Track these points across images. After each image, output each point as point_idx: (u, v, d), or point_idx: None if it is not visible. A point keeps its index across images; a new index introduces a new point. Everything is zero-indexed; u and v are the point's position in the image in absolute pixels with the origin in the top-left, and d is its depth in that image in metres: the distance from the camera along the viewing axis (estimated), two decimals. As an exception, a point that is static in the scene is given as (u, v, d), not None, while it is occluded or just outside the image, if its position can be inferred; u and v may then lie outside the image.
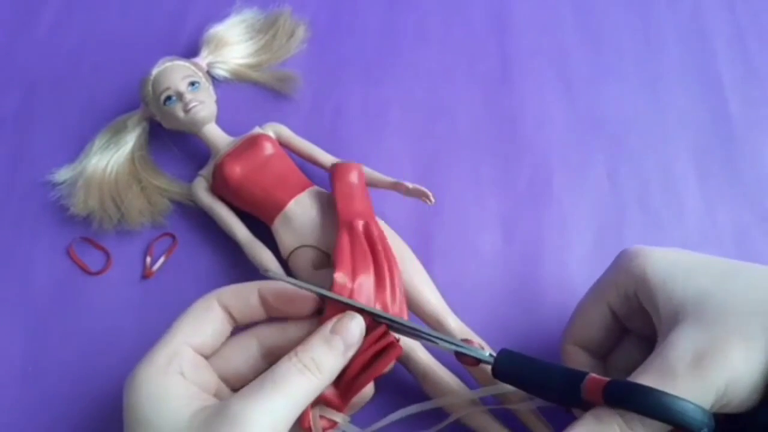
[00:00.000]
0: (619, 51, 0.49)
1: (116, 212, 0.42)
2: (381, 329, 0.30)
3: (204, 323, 0.30)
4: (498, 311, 0.40)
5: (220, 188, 0.41)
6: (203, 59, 0.46)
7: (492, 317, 0.39)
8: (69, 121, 0.47)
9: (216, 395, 0.30)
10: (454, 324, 0.37)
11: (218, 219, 0.41)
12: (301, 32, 0.49)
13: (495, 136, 0.46)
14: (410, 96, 0.47)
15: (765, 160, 0.45)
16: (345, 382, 0.31)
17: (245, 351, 0.31)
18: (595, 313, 0.33)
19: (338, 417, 0.32)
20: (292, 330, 0.31)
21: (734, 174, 0.44)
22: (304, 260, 0.38)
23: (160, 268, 0.41)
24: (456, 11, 0.51)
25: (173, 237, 0.42)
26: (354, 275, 0.34)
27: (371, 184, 0.41)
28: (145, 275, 0.41)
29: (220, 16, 0.49)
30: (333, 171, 0.40)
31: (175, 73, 0.42)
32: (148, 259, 0.42)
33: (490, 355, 0.31)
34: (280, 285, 0.32)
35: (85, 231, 0.42)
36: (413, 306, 0.37)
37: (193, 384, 0.29)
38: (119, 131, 0.44)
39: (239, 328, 0.32)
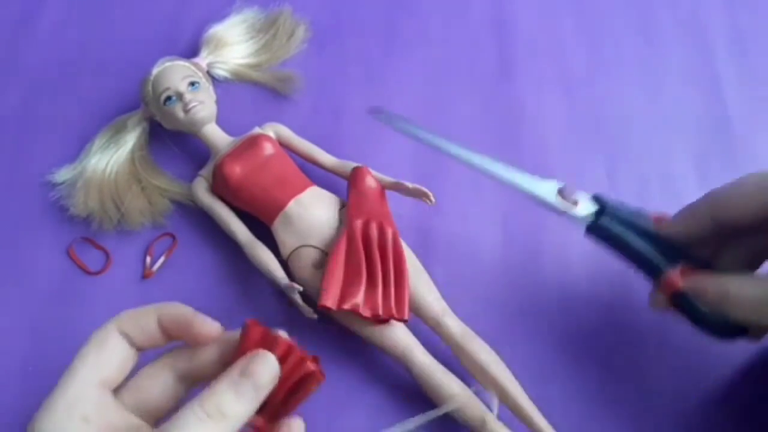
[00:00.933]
0: (619, 51, 0.49)
1: (116, 212, 0.42)
2: (296, 356, 0.28)
3: (106, 354, 0.28)
4: (498, 311, 0.40)
5: (220, 188, 0.41)
6: (203, 59, 0.46)
7: (492, 317, 0.39)
8: (69, 121, 0.47)
9: None
10: (453, 323, 0.37)
11: (218, 219, 0.41)
12: (301, 32, 0.49)
13: (495, 135, 0.46)
14: (410, 96, 0.47)
15: (765, 160, 0.45)
16: (270, 408, 0.28)
17: (158, 379, 0.29)
18: (749, 193, 0.33)
19: None
20: (204, 353, 0.29)
21: (734, 174, 0.44)
22: (304, 260, 0.38)
23: (160, 268, 0.41)
24: (456, 11, 0.51)
25: (173, 237, 0.42)
26: (343, 291, 0.36)
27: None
28: (145, 275, 0.41)
29: (220, 16, 0.49)
30: (351, 174, 0.41)
31: (175, 73, 0.42)
32: (148, 259, 0.42)
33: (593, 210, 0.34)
34: (180, 310, 0.29)
35: (85, 231, 0.42)
36: (413, 306, 0.37)
37: (100, 428, 0.27)
38: (119, 131, 0.44)
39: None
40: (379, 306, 0.35)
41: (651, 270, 0.33)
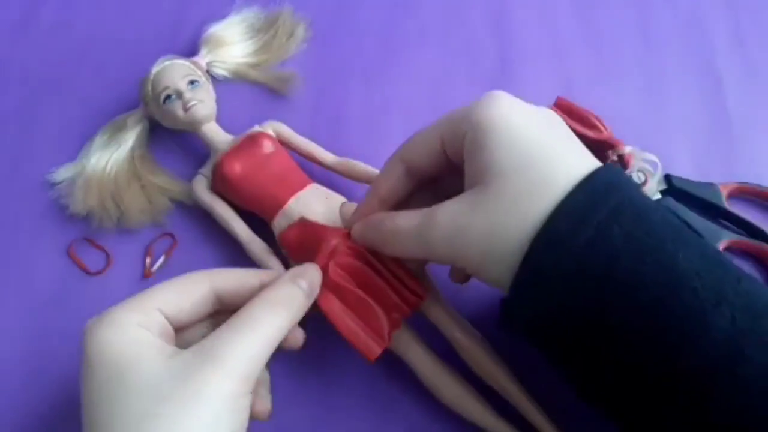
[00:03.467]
0: (619, 51, 0.49)
1: (116, 211, 0.42)
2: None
3: (187, 298, 0.29)
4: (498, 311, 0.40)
5: (220, 186, 0.41)
6: (203, 58, 0.46)
7: (492, 317, 0.39)
8: (69, 120, 0.47)
9: None
10: (449, 318, 0.37)
11: (218, 217, 0.41)
12: (301, 32, 0.49)
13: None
14: (410, 96, 0.47)
15: (765, 160, 0.45)
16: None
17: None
18: (428, 137, 0.32)
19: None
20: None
21: (734, 174, 0.44)
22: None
23: (160, 268, 0.41)
24: (456, 11, 0.51)
25: (173, 237, 0.42)
26: (371, 331, 0.34)
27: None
28: (145, 275, 0.41)
29: (220, 15, 0.49)
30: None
31: (175, 72, 0.42)
32: (148, 259, 0.41)
33: None
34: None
35: (84, 231, 0.42)
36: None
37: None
38: (119, 130, 0.44)
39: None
40: (400, 306, 0.34)
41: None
